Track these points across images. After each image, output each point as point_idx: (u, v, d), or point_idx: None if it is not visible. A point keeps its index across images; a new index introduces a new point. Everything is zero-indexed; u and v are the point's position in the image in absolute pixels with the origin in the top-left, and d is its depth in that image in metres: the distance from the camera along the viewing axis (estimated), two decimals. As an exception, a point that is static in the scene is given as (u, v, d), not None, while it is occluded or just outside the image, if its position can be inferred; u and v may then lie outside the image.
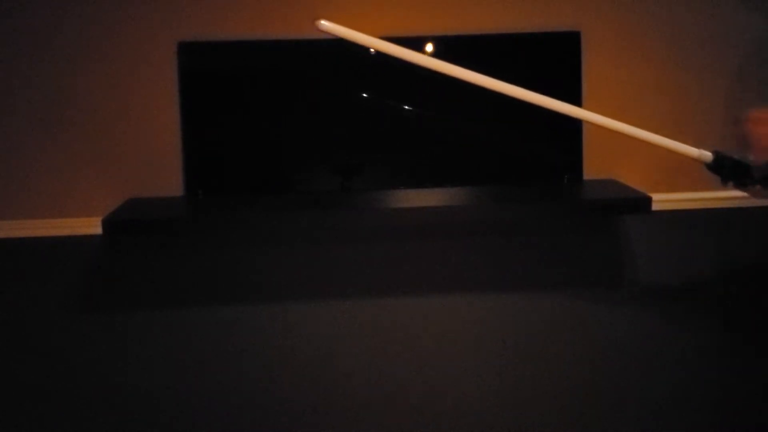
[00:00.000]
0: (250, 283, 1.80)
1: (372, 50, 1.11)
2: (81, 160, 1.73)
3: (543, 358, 1.88)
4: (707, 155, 1.27)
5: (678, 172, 1.82)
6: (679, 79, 1.80)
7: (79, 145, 1.72)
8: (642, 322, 1.88)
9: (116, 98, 1.71)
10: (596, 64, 1.77)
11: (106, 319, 1.79)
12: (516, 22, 1.75)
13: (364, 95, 1.74)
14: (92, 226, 1.65)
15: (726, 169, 1.27)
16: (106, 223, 1.56)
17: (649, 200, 1.64)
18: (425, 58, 1.15)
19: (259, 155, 1.76)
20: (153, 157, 1.74)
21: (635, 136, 1.25)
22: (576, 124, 1.77)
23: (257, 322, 1.81)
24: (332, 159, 1.78)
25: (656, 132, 1.87)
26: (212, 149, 1.75)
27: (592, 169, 1.81)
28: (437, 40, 1.73)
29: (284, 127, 1.75)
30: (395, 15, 1.73)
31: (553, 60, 1.79)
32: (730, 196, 1.81)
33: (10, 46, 1.67)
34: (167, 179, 1.74)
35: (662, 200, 1.77)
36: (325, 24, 1.04)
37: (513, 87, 1.17)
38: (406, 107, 1.75)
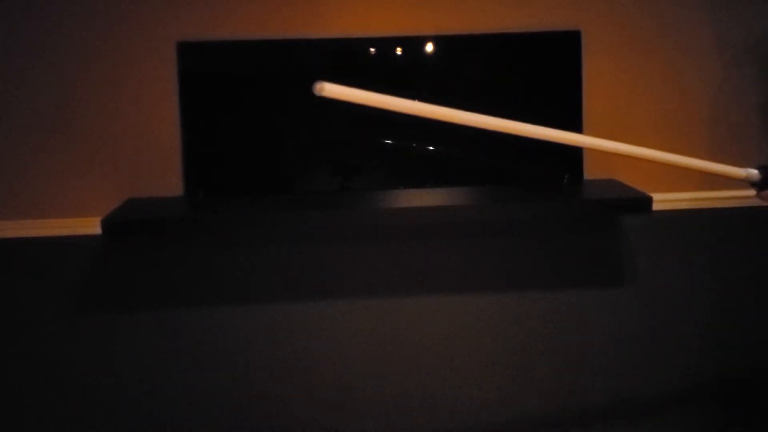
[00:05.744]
0: (250, 283, 1.80)
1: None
2: (81, 160, 1.73)
3: (543, 357, 1.88)
4: (754, 173, 1.23)
5: (678, 172, 1.82)
6: (679, 78, 1.80)
7: (79, 145, 1.72)
8: (642, 322, 1.88)
9: (116, 98, 1.71)
10: (596, 64, 1.77)
11: (106, 319, 1.79)
12: (516, 22, 1.75)
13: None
14: (92, 226, 1.65)
15: None
16: (106, 223, 1.56)
17: (649, 200, 1.64)
18: (434, 109, 1.05)
19: (259, 155, 1.76)
20: (153, 157, 1.74)
21: (674, 163, 1.19)
22: (576, 123, 1.77)
23: (257, 322, 1.81)
24: (332, 159, 1.78)
25: (657, 131, 1.87)
26: (212, 149, 1.75)
27: (592, 169, 1.81)
28: (437, 40, 1.73)
29: (284, 127, 1.75)
30: (396, 14, 1.73)
31: (553, 60, 1.79)
32: (730, 196, 1.82)
33: (9, 46, 1.67)
34: (167, 179, 1.74)
35: (662, 200, 1.77)
36: (327, 88, 0.89)
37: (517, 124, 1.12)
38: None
